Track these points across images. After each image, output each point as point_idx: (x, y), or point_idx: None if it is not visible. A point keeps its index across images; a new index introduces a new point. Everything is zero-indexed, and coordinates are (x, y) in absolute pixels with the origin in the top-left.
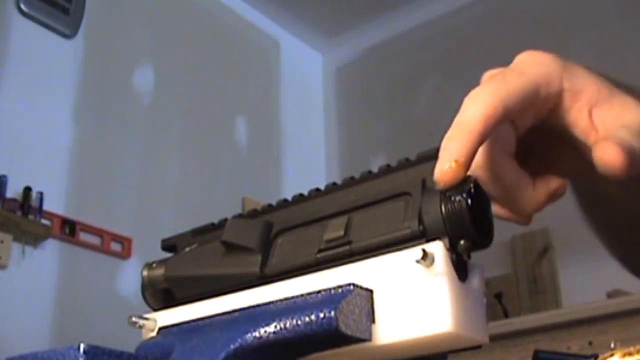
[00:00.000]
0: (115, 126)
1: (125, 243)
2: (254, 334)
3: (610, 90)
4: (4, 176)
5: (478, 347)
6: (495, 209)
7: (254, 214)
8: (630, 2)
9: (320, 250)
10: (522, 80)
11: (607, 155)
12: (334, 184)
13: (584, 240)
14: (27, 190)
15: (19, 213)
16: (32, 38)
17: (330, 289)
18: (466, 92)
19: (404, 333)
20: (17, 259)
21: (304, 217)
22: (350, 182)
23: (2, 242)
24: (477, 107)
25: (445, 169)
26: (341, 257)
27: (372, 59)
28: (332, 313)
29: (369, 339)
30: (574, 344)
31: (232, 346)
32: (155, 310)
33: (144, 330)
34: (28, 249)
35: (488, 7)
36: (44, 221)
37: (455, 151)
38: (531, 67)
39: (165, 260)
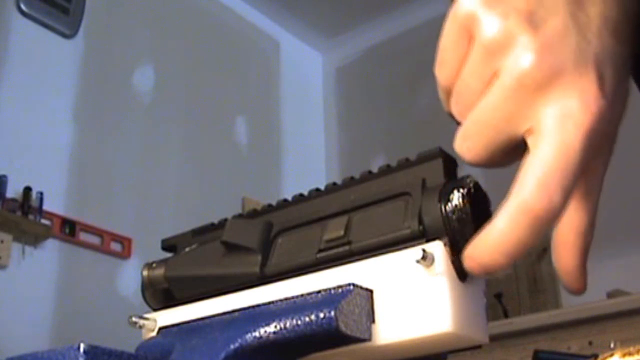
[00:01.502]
0: (115, 126)
1: (125, 243)
2: (254, 334)
3: None
4: (4, 176)
5: (478, 347)
6: None
7: (254, 214)
8: None
9: (320, 250)
10: None
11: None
12: (334, 184)
13: None
14: (27, 190)
15: (19, 213)
16: (32, 38)
17: (330, 289)
18: None
19: (404, 333)
20: (17, 259)
21: (304, 217)
22: (350, 182)
23: (2, 242)
24: None
25: None
26: (341, 257)
27: (372, 59)
28: (332, 313)
29: (369, 339)
30: (574, 344)
31: (232, 346)
32: (155, 310)
33: (144, 330)
34: (28, 249)
35: None
36: (44, 221)
37: None
38: None
39: (165, 260)
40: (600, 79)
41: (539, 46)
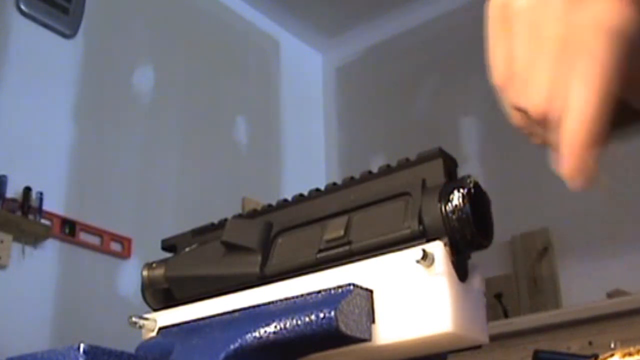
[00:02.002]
0: (115, 126)
1: (125, 243)
2: (254, 334)
3: None
4: (4, 176)
5: (478, 347)
6: None
7: (254, 214)
8: None
9: (320, 250)
10: None
11: None
12: (334, 184)
13: (584, 240)
14: (27, 190)
15: (19, 213)
16: (32, 38)
17: (330, 289)
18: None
19: (404, 333)
20: (17, 259)
21: (304, 217)
22: (350, 182)
23: (2, 242)
24: None
25: None
26: (341, 257)
27: (372, 59)
28: (332, 313)
29: (369, 339)
30: (574, 344)
31: (232, 346)
32: (155, 310)
33: (144, 330)
34: (28, 249)
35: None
36: (44, 221)
37: None
38: None
39: (165, 260)
40: None
41: None
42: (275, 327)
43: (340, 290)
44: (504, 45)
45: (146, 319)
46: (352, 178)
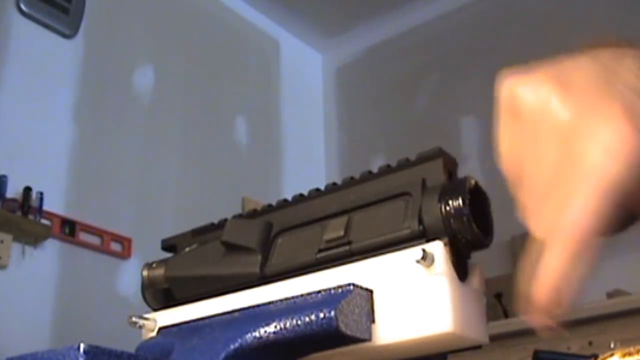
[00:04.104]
0: (115, 126)
1: (125, 243)
2: (254, 334)
3: None
4: (4, 176)
5: (478, 347)
6: None
7: (254, 214)
8: (630, 1)
9: (320, 250)
10: None
11: None
12: (334, 184)
13: None
14: (27, 190)
15: (19, 213)
16: (32, 38)
17: (330, 289)
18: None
19: (404, 333)
20: (17, 259)
21: (304, 217)
22: (350, 182)
23: (2, 242)
24: None
25: None
26: (341, 257)
27: (372, 59)
28: (332, 313)
29: (369, 339)
30: (574, 344)
31: (232, 346)
32: (155, 310)
33: (144, 330)
34: (28, 249)
35: (488, 7)
36: (44, 221)
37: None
38: None
39: (165, 260)
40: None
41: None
42: (275, 327)
43: (340, 290)
44: (510, 134)
45: (146, 319)
46: (352, 178)
